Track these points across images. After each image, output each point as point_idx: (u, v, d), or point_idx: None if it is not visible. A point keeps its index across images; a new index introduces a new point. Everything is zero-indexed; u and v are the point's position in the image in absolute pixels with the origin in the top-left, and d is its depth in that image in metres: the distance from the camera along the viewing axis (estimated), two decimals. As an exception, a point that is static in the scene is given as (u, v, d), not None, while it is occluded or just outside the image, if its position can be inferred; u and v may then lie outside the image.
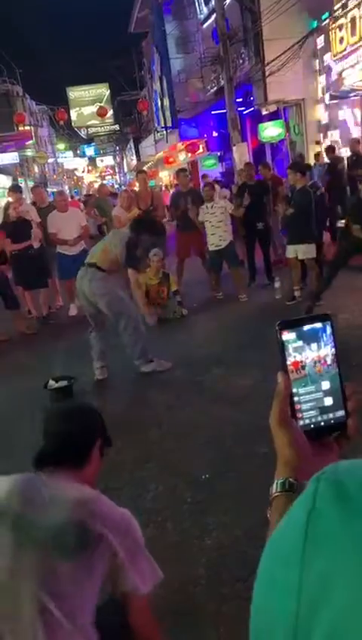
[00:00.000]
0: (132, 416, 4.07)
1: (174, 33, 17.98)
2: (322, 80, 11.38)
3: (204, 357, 5.08)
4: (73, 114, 31.77)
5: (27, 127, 24.22)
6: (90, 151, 43.46)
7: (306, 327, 0.68)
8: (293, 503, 0.49)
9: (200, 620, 2.11)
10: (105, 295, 4.63)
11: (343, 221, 5.98)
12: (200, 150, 17.87)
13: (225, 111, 12.88)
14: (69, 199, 10.11)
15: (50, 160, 34.78)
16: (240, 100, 13.15)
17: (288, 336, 0.68)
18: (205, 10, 15.72)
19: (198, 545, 2.55)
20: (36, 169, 30.94)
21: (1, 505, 1.33)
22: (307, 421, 0.68)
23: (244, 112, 14.05)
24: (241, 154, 11.99)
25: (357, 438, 0.71)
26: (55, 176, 35.73)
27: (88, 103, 32.36)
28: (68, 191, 29.25)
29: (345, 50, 10.03)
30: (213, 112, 15.85)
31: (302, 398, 0.68)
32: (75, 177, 44.59)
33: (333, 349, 0.68)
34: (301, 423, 0.68)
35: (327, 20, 10.35)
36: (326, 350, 0.68)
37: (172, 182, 20.47)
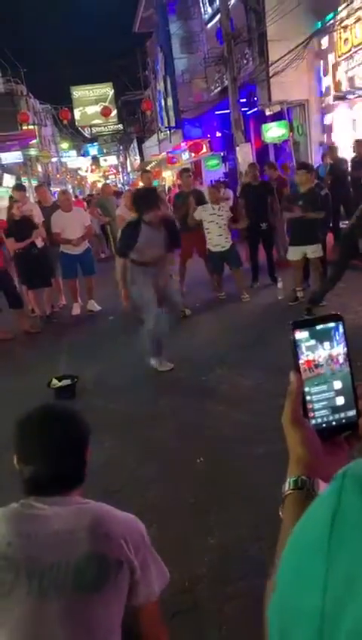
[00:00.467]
0: (133, 415, 4.08)
1: (178, 33, 17.98)
2: (326, 81, 11.37)
3: (206, 357, 5.09)
4: (77, 113, 31.82)
5: (31, 127, 24.27)
6: (93, 150, 43.49)
7: (318, 327, 0.69)
8: (316, 498, 0.49)
9: (202, 619, 2.12)
10: (131, 286, 4.82)
11: (347, 222, 5.97)
12: (204, 150, 17.87)
13: (228, 111, 12.88)
14: (73, 199, 10.12)
15: (54, 159, 34.82)
16: (244, 100, 13.15)
17: (300, 335, 0.69)
18: (210, 10, 15.72)
19: (200, 544, 2.56)
20: (40, 168, 30.98)
21: (4, 551, 1.21)
22: (319, 420, 0.69)
23: (248, 113, 14.05)
24: (245, 154, 11.99)
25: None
26: (58, 176, 35.75)
27: (92, 102, 32.41)
28: (71, 190, 29.27)
29: (349, 51, 10.02)
30: (216, 113, 15.85)
31: (313, 397, 0.69)
32: (78, 177, 44.61)
33: (345, 349, 0.69)
34: (312, 422, 0.69)
35: (332, 21, 10.33)
36: (338, 350, 0.69)
37: (175, 182, 20.49)
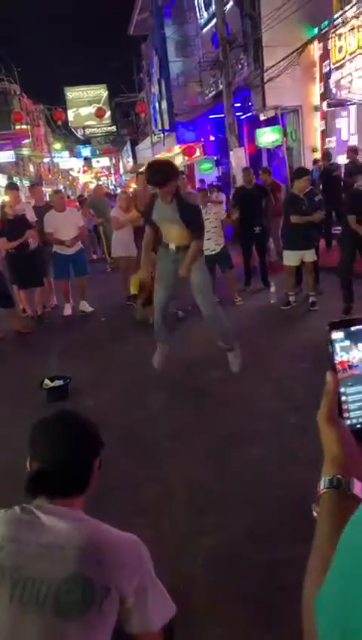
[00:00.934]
0: (127, 416, 4.06)
1: (174, 37, 18.03)
2: (320, 87, 11.47)
3: (200, 359, 5.10)
4: (70, 114, 31.78)
5: (24, 126, 24.19)
6: (86, 151, 43.42)
7: (355, 328, 0.69)
8: None
9: (197, 620, 2.11)
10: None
11: (339, 228, 6.06)
12: (197, 154, 17.91)
13: (222, 115, 12.93)
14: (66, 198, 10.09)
15: (46, 159, 34.72)
16: (238, 104, 13.21)
17: (337, 335, 0.69)
18: (205, 14, 15.78)
19: (195, 545, 2.55)
20: (32, 168, 30.88)
21: None
22: (354, 420, 0.69)
23: (242, 117, 14.12)
24: (238, 159, 12.05)
25: None
26: (50, 176, 35.63)
27: (85, 103, 32.40)
28: (63, 191, 29.17)
29: (344, 58, 10.12)
30: (210, 117, 15.91)
31: (349, 397, 0.69)
32: (70, 177, 44.49)
33: None
34: (347, 422, 0.69)
35: (327, 29, 10.43)
36: None
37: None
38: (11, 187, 7.98)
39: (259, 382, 4.38)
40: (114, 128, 34.36)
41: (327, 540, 0.58)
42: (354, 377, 0.69)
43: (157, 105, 20.60)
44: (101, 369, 5.17)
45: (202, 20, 16.13)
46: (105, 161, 45.83)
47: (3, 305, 6.82)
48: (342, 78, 10.29)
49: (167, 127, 19.10)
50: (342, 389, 0.69)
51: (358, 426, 0.69)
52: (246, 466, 3.17)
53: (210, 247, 7.01)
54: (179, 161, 20.12)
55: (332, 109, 11.26)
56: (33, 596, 1.14)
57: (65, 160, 39.98)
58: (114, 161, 45.35)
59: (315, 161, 10.73)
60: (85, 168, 46.10)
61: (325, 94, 11.12)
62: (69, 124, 32.85)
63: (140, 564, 1.26)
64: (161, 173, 4.05)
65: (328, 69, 10.79)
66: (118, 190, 22.06)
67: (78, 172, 45.71)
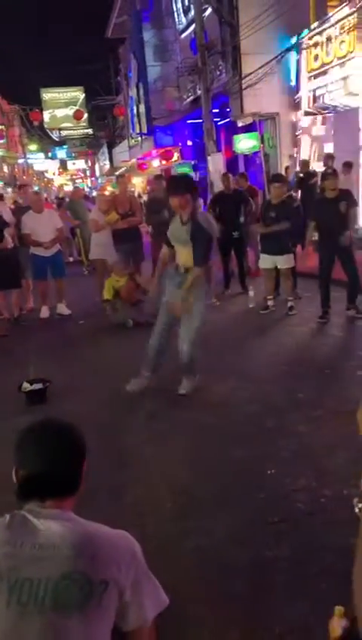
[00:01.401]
0: (107, 420, 4.03)
1: (152, 41, 18.09)
2: (297, 95, 11.65)
3: (178, 363, 5.09)
4: (46, 115, 31.54)
5: (-1, 127, 23.86)
6: (61, 153, 43.07)
7: None
8: None
9: (182, 623, 2.10)
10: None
11: (316, 234, 6.14)
12: (175, 158, 17.98)
13: (200, 120, 13.02)
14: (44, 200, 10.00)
15: (20, 160, 34.30)
16: (217, 110, 13.32)
17: None
18: (184, 20, 15.87)
19: (178, 549, 2.55)
20: (6, 169, 30.43)
21: None
22: None
23: (219, 123, 14.23)
24: (216, 164, 12.13)
25: None
26: (25, 177, 35.20)
27: (62, 105, 32.21)
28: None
29: (320, 67, 10.31)
30: (188, 121, 16.00)
31: None
32: (45, 179, 44.04)
33: None
34: None
35: (304, 38, 10.61)
36: None
37: (145, 189, 20.49)
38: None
39: (239, 385, 4.40)
40: (90, 131, 34.20)
41: None
42: None
43: (135, 108, 20.61)
44: (79, 372, 5.12)
45: (181, 26, 16.22)
46: (80, 164, 45.57)
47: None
48: (318, 88, 10.49)
49: (145, 130, 19.13)
50: None
51: None
52: (228, 469, 3.18)
53: None
54: (155, 164, 20.16)
55: (309, 117, 11.45)
56: (32, 596, 1.15)
57: (40, 161, 39.60)
58: (90, 163, 45.11)
59: (286, 169, 10.90)
60: (60, 170, 45.72)
61: (301, 102, 11.30)
62: (45, 126, 32.56)
63: (134, 557, 1.29)
64: (181, 183, 4.27)
65: (305, 77, 10.97)
66: (94, 193, 21.95)
67: (53, 174, 45.30)
